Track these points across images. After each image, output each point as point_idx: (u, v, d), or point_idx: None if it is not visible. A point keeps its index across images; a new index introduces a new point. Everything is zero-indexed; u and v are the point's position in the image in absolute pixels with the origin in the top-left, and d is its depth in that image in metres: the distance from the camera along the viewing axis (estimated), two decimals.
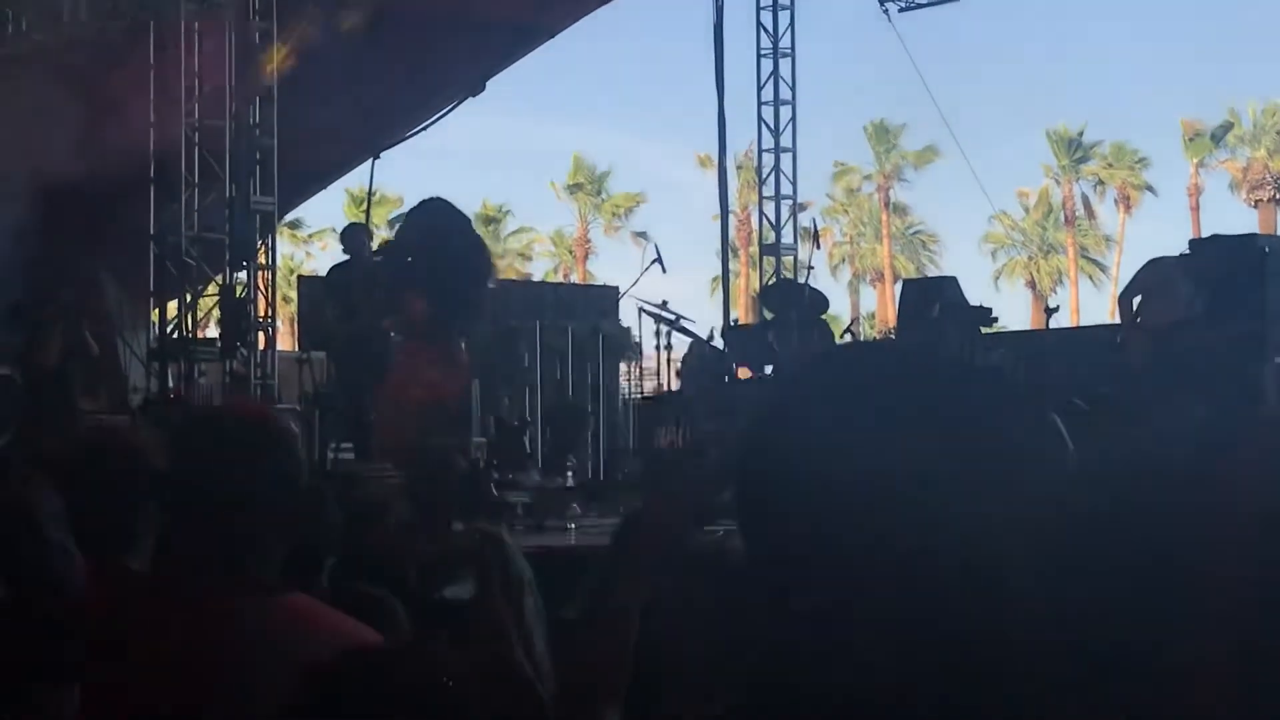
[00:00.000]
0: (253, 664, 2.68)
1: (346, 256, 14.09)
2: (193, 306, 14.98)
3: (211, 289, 15.17)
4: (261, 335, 15.02)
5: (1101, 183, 59.27)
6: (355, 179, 19.22)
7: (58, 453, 3.74)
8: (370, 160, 12.98)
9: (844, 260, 62.72)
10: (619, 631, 2.90)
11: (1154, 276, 12.49)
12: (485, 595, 2.71)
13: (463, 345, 10.15)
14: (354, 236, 14.38)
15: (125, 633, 2.84)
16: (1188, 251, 12.86)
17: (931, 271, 57.03)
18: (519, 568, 4.22)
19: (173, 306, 15.07)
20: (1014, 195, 60.76)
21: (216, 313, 15.12)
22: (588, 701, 2.91)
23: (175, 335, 14.81)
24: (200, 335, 15.15)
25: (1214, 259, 12.50)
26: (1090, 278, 58.92)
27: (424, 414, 9.72)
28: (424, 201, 10.92)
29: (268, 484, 2.99)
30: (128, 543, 3.41)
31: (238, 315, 14.59)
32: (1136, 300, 12.42)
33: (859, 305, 62.03)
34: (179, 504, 3.00)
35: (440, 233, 10.22)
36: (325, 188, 21.78)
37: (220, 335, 14.82)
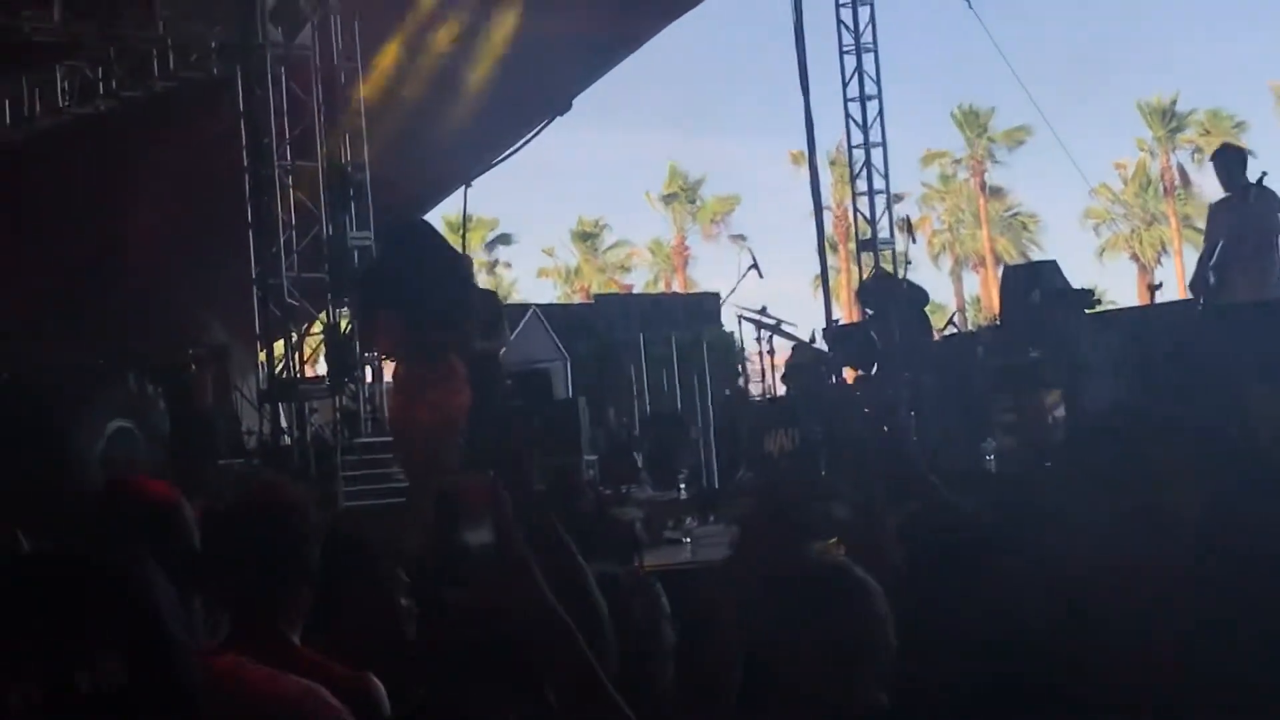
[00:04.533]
0: None
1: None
2: (299, 346, 15.13)
3: (316, 328, 15.32)
4: (369, 369, 15.15)
5: (1199, 150, 58.47)
6: (450, 205, 19.35)
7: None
8: (463, 188, 13.08)
9: (944, 249, 62.27)
10: (727, 652, 2.92)
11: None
12: (503, 535, 2.75)
13: (455, 359, 9.85)
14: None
15: None
16: None
17: (1033, 252, 56.61)
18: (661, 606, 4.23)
19: (279, 347, 15.23)
20: (1110, 169, 60.19)
21: (323, 350, 15.27)
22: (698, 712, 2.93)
23: (284, 375, 14.96)
24: (309, 374, 15.29)
25: None
26: (1195, 246, 58.10)
27: (431, 437, 9.48)
28: (398, 222, 10.66)
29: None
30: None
31: (343, 351, 14.73)
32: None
33: (963, 292, 61.64)
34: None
35: (415, 252, 9.99)
36: (421, 218, 21.95)
37: (328, 372, 14.96)
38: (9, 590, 2.06)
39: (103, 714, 1.91)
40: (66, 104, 16.14)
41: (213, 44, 15.40)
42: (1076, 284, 14.54)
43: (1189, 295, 13.06)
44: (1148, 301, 16.78)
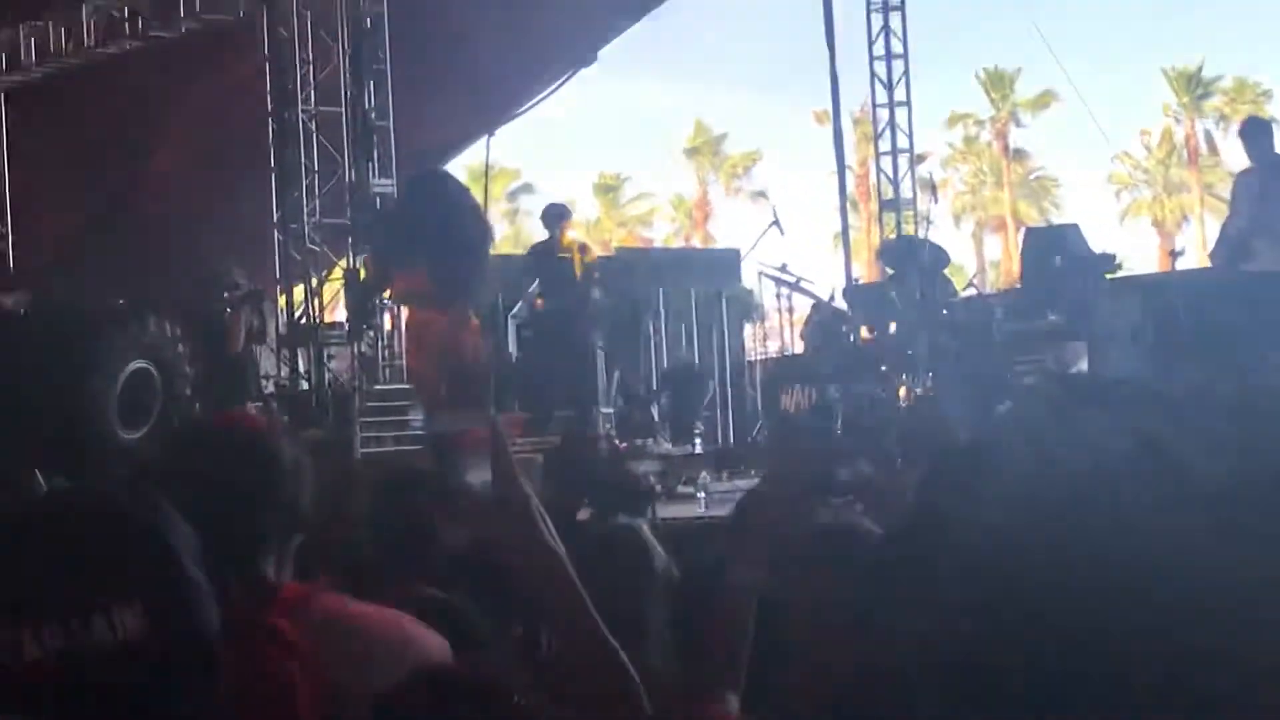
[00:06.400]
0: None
1: (546, 235, 14.68)
2: (319, 291, 15.13)
3: (336, 273, 15.31)
4: (388, 316, 15.14)
5: (1224, 118, 58.14)
6: (473, 155, 19.30)
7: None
8: (485, 137, 13.07)
9: (966, 210, 62.12)
10: (738, 612, 2.91)
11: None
12: (501, 473, 2.78)
13: (471, 311, 9.93)
14: (554, 215, 14.71)
15: None
16: None
17: (1055, 216, 56.46)
18: (658, 559, 4.25)
19: (299, 292, 15.23)
20: (1135, 135, 59.98)
21: (342, 296, 15.26)
22: (711, 686, 2.93)
23: (303, 321, 14.97)
24: (328, 320, 15.30)
25: None
26: (1217, 215, 57.85)
27: (447, 383, 9.56)
28: (421, 172, 10.63)
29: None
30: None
31: (363, 297, 14.70)
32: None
33: (983, 255, 61.48)
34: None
35: (437, 202, 10.03)
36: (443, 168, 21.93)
37: (347, 318, 14.95)
38: (27, 531, 2.03)
39: (122, 662, 1.88)
40: (92, 44, 16.15)
41: None
42: (1097, 248, 14.52)
43: (1210, 263, 13.05)
44: (1168, 268, 16.71)
